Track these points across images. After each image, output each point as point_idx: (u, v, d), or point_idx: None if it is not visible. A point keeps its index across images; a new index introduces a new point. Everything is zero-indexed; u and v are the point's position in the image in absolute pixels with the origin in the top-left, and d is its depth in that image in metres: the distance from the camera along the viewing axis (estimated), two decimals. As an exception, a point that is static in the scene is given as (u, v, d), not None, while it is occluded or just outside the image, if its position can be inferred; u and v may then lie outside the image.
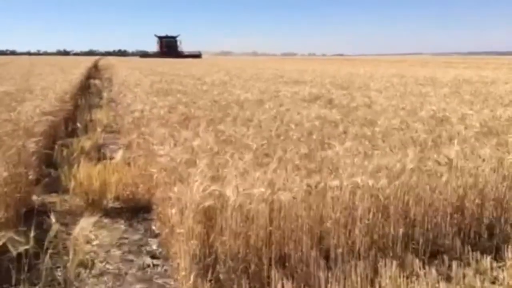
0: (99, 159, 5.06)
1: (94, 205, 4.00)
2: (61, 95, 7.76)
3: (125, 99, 7.28)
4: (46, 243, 2.54)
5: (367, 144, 3.74)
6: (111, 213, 4.05)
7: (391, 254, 2.79)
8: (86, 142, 5.61)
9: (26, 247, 2.42)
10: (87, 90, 13.17)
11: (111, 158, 4.55)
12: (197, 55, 59.55)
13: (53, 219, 2.52)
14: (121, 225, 3.77)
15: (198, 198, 2.53)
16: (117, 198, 4.24)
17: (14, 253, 2.39)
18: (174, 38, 62.83)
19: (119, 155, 4.43)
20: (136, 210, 4.08)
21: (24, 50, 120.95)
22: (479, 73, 17.05)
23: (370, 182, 2.78)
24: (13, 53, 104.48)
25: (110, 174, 4.20)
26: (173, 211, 2.64)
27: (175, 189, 2.69)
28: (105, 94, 10.79)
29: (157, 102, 6.35)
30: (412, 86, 9.49)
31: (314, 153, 3.60)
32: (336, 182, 2.79)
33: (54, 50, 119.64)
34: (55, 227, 2.44)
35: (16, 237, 2.37)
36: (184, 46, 62.83)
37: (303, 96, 7.16)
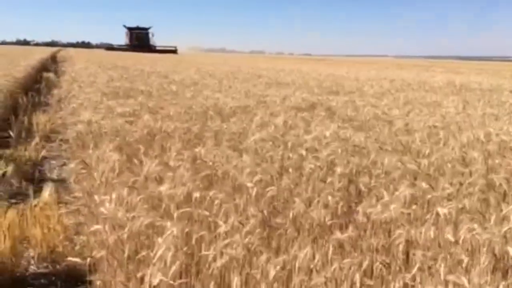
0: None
1: (5, 272, 2.57)
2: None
3: (73, 102, 5.77)
4: None
5: (427, 190, 2.47)
6: (33, 285, 2.63)
7: None
8: (11, 163, 4.12)
9: None
10: (36, 86, 11.41)
11: (36, 194, 3.09)
12: (172, 51, 51.12)
13: None
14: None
15: None
16: (43, 259, 2.83)
17: None
18: (145, 30, 54.75)
19: (46, 191, 2.98)
20: (70, 279, 2.67)
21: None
22: (463, 78, 16.20)
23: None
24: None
25: (32, 223, 2.78)
26: None
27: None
28: (56, 91, 9.11)
29: (114, 107, 4.91)
30: (412, 92, 8.33)
31: (350, 207, 2.32)
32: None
33: (13, 39, 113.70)
34: None
35: None
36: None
37: (296, 103, 5.84)
